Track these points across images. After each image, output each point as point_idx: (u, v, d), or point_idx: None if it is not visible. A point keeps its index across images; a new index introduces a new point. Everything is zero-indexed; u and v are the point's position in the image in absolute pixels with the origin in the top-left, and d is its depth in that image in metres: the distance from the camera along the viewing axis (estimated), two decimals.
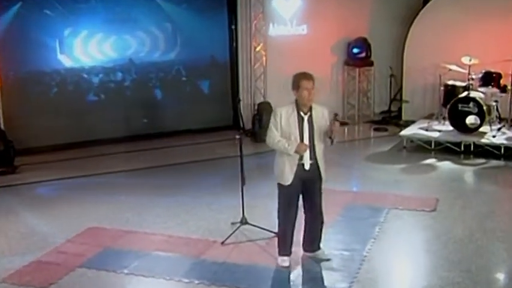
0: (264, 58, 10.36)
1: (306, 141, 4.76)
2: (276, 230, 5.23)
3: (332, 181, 7.00)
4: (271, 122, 4.79)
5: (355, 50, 10.93)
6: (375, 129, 10.45)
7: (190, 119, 10.29)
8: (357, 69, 11.06)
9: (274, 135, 4.82)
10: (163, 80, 10.22)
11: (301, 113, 4.76)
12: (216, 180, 7.73)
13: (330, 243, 5.57)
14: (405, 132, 9.33)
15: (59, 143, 9.36)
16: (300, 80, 4.71)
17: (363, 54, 10.95)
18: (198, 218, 6.45)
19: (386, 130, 10.30)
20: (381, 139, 9.83)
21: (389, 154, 8.94)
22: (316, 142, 4.80)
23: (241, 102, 10.48)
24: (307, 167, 4.82)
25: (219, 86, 10.51)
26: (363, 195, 7.09)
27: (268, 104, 9.93)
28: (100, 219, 6.50)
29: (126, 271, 5.29)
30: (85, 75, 9.63)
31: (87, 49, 9.51)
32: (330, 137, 4.74)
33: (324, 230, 5.32)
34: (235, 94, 10.57)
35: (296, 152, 4.76)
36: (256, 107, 10.22)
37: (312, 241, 5.26)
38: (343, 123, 10.66)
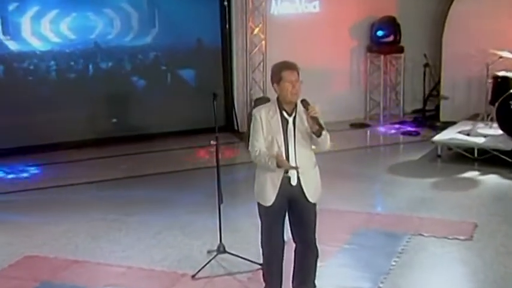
0: (263, 43, 10.29)
1: (292, 149, 4.67)
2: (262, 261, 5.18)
3: (341, 199, 7.29)
4: (253, 129, 4.72)
5: (381, 33, 10.91)
6: (404, 133, 10.37)
7: (172, 119, 10.19)
8: (383, 57, 11.02)
9: (257, 146, 4.70)
10: (137, 69, 10.14)
11: (285, 114, 4.67)
12: (195, 196, 7.60)
13: (331, 279, 5.43)
14: (440, 137, 9.18)
15: (1, 147, 9.24)
16: (281, 70, 4.62)
17: (391, 38, 10.91)
18: (166, 244, 6.34)
19: (418, 134, 10.24)
20: (411, 145, 9.76)
21: (419, 164, 8.83)
22: (300, 150, 4.70)
23: (235, 99, 10.43)
24: (294, 181, 4.69)
25: (208, 77, 10.40)
26: (380, 217, 6.97)
27: (268, 100, 9.68)
28: (41, 246, 6.35)
29: None
30: (37, 62, 9.56)
31: (39, 30, 9.43)
32: (314, 132, 4.58)
33: (323, 262, 5.21)
34: (229, 87, 10.47)
35: (279, 166, 4.64)
36: (253, 104, 10.04)
37: (304, 279, 5.05)
38: (364, 125, 10.70)
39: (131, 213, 7.14)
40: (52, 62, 9.61)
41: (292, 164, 4.65)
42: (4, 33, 9.21)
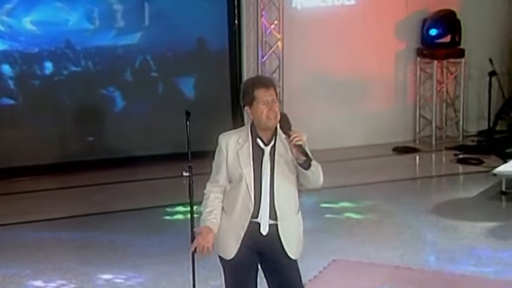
0: (279, 44, 10.30)
1: (267, 188, 4.59)
2: None
3: (363, 247, 7.21)
4: (215, 161, 4.74)
5: (435, 32, 10.78)
6: (460, 161, 10.26)
7: (162, 139, 10.08)
8: (437, 63, 10.95)
9: (211, 185, 4.72)
10: (120, 75, 10.15)
11: (260, 143, 4.59)
12: (175, 241, 7.40)
13: None
14: (506, 168, 9.01)
15: None
16: (253, 88, 4.55)
17: (447, 39, 10.83)
18: None
19: (480, 163, 10.07)
20: (469, 177, 9.68)
21: (475, 203, 8.68)
22: (280, 190, 4.60)
23: (246, 115, 10.16)
24: (264, 230, 4.59)
25: (211, 87, 10.40)
26: (411, 272, 6.74)
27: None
28: None
29: None
30: None
31: None
32: (301, 164, 4.48)
33: None
34: (237, 100, 10.19)
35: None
36: None
37: None
38: (411, 150, 10.73)
39: (92, 261, 7.11)
40: (10, 66, 9.63)
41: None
42: None
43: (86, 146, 10.01)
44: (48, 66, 9.78)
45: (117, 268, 6.91)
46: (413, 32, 10.86)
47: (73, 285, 6.58)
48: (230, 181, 4.64)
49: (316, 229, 7.25)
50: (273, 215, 4.55)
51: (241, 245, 4.57)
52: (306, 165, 4.43)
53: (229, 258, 4.60)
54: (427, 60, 10.87)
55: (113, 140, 10.10)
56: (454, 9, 10.72)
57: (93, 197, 8.99)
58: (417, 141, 10.98)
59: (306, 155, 4.41)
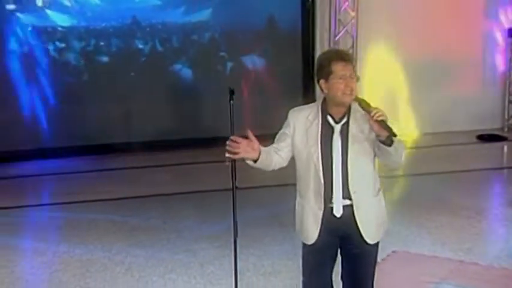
0: (353, 22, 10.22)
1: (338, 168, 4.56)
2: None
3: (429, 239, 7.09)
4: (279, 134, 4.73)
5: None
6: None
7: (228, 120, 10.06)
8: None
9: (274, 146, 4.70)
10: (187, 54, 10.28)
11: (331, 120, 4.54)
12: (227, 226, 7.17)
13: None
14: None
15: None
16: (329, 62, 4.49)
17: None
18: None
19: None
20: None
21: None
22: (355, 170, 4.55)
23: (318, 97, 10.16)
24: (338, 212, 4.58)
25: (283, 67, 10.48)
26: (476, 268, 6.54)
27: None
28: (15, 281, 6.40)
29: None
30: (57, 43, 9.78)
31: None
32: (384, 141, 4.37)
33: None
34: (310, 81, 10.30)
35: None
36: None
37: None
38: (498, 138, 10.60)
39: (143, 243, 7.19)
40: (75, 42, 9.84)
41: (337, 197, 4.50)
42: (15, 3, 9.51)
43: (150, 126, 10.13)
44: (114, 43, 9.96)
45: (166, 251, 6.96)
46: (504, 10, 10.69)
47: (119, 268, 6.59)
48: (295, 158, 4.60)
49: None
50: (347, 196, 4.53)
51: (321, 230, 4.59)
52: (389, 141, 4.33)
53: (311, 243, 4.63)
54: None
55: (178, 120, 10.25)
56: None
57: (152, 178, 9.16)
58: (505, 129, 10.88)
59: (390, 130, 4.30)
